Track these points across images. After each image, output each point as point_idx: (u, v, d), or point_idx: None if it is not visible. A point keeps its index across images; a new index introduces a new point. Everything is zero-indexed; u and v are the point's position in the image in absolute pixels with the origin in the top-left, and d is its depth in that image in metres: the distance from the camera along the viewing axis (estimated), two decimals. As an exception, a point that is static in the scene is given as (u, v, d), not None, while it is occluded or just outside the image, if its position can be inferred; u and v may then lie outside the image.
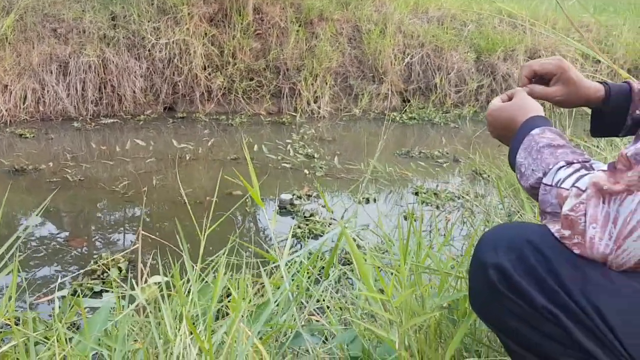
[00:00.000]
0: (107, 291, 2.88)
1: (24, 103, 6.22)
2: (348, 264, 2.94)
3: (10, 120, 5.91)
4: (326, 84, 7.39)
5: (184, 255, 1.14)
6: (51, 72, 6.46)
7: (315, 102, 7.30)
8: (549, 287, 0.79)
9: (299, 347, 1.23)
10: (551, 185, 0.88)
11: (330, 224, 3.88)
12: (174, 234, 3.49)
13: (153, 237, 1.16)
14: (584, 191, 0.80)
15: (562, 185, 0.85)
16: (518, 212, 3.50)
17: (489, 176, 5.12)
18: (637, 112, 1.17)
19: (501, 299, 0.82)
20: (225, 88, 7.08)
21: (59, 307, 1.39)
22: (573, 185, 0.83)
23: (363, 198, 4.43)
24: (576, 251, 0.79)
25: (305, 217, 3.93)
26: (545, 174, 0.91)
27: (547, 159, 0.93)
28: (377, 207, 4.28)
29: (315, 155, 5.36)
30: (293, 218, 3.94)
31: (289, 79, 7.38)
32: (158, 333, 1.03)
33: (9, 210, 3.75)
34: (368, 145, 6.25)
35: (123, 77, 6.58)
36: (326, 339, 1.22)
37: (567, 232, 0.80)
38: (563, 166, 0.89)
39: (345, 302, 1.35)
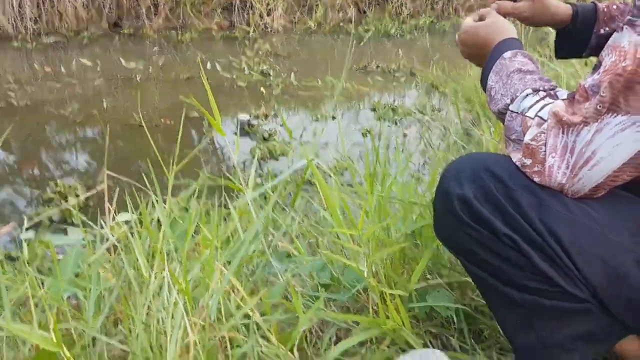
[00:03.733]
0: (66, 221, 2.85)
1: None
2: (310, 184, 2.99)
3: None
4: (278, -5, 7.13)
5: (152, 195, 1.13)
6: (-18, -13, 5.99)
7: (268, 15, 7.06)
8: (509, 215, 0.82)
9: (267, 274, 1.27)
10: (517, 113, 0.90)
11: (289, 143, 3.88)
12: (134, 162, 3.43)
13: (119, 176, 1.13)
14: (545, 121, 0.83)
15: (527, 114, 0.87)
16: (474, 124, 3.58)
17: (444, 90, 5.17)
18: (602, 31, 1.19)
19: (465, 228, 0.86)
20: (172, 1, 6.74)
21: (26, 244, 1.37)
22: (536, 115, 0.85)
23: (321, 116, 4.42)
24: (536, 179, 0.83)
25: (264, 137, 3.91)
26: (512, 100, 0.93)
27: (516, 85, 0.94)
28: (338, 125, 4.29)
29: (271, 73, 5.25)
30: (252, 139, 3.92)
31: (239, -9, 7.07)
32: (132, 271, 1.04)
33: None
34: (324, 60, 6.16)
35: (62, -7, 6.16)
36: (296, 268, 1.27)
37: (528, 161, 0.83)
38: (530, 94, 0.91)
39: (313, 232, 1.39)
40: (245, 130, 4.05)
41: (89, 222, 1.27)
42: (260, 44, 6.13)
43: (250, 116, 4.20)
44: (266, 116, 4.33)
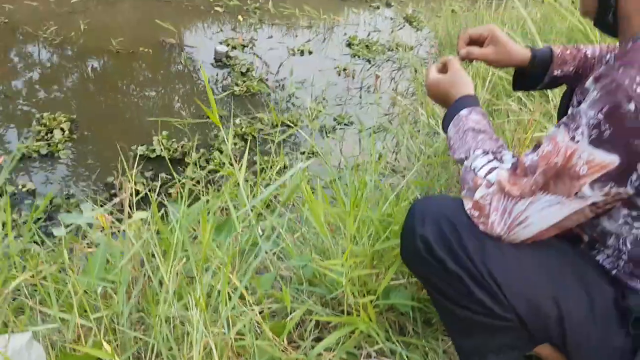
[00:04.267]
0: (53, 154, 2.99)
1: None
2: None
3: None
4: None
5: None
6: None
7: None
8: (458, 256, 1.07)
9: (259, 263, 1.51)
10: (470, 169, 1.13)
11: (266, 80, 3.99)
12: (115, 104, 3.47)
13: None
14: (492, 184, 1.06)
15: (478, 173, 1.10)
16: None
17: (419, 25, 5.26)
18: (555, 72, 1.39)
19: (423, 260, 1.11)
20: None
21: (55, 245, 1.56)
22: (485, 177, 1.08)
23: (298, 50, 4.50)
24: (481, 228, 1.07)
25: (241, 72, 4.01)
26: (467, 157, 1.15)
27: (469, 142, 1.17)
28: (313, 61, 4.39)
29: (249, -3, 5.22)
30: (229, 73, 4.01)
31: None
32: (149, 264, 1.26)
33: None
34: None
35: None
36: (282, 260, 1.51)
37: (476, 213, 1.07)
38: (480, 155, 1.13)
39: (299, 234, 1.61)
40: (224, 62, 4.13)
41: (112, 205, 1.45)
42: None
43: (228, 47, 4.26)
44: (244, 47, 4.39)
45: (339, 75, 4.23)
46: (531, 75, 1.40)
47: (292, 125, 3.56)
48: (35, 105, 3.40)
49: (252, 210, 1.56)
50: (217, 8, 4.91)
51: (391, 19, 5.38)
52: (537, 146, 1.07)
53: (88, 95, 3.61)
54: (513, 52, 1.37)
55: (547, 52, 1.39)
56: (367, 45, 4.66)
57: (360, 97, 3.98)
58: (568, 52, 1.40)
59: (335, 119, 3.69)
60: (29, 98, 3.47)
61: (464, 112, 1.22)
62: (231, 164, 1.95)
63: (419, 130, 2.89)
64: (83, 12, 4.45)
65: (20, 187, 2.70)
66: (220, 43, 4.31)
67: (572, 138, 0.95)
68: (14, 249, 1.29)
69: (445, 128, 1.26)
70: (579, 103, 1.00)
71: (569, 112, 1.01)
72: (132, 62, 3.98)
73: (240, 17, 4.82)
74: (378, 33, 5.03)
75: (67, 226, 1.51)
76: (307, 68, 4.27)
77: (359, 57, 4.51)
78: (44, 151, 3.01)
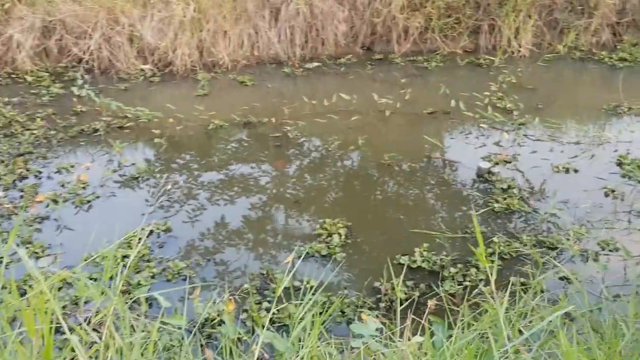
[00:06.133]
0: (331, 255, 3.47)
1: (241, 48, 6.97)
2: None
3: (230, 66, 6.67)
4: (530, 17, 7.07)
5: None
6: (264, 18, 7.10)
7: (515, 38, 7.06)
8: None
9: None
10: None
11: (527, 198, 4.03)
12: (384, 214, 3.89)
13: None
14: None
15: None
16: None
17: None
18: None
19: None
20: (422, 27, 7.15)
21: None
22: None
23: (562, 167, 4.45)
24: None
25: (502, 189, 4.12)
26: None
27: None
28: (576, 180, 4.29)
29: (515, 112, 5.36)
30: (490, 189, 4.15)
31: (489, 14, 7.19)
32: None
33: (246, 158, 4.49)
34: (572, 94, 6.02)
35: (327, 22, 6.99)
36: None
37: None
38: None
39: None
40: (485, 178, 4.30)
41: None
42: (504, 76, 6.22)
43: (490, 163, 4.43)
44: (506, 163, 4.52)
45: (606, 196, 4.06)
46: None
47: (551, 247, 3.52)
48: (319, 211, 3.99)
49: (510, 349, 1.66)
50: (482, 125, 5.15)
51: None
52: None
53: (361, 204, 4.11)
54: None
55: None
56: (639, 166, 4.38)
57: (629, 222, 3.75)
58: None
59: (599, 244, 3.55)
60: (315, 203, 4.10)
61: None
62: (492, 297, 2.08)
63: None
64: (361, 128, 5.12)
65: (305, 282, 3.19)
66: (483, 159, 4.50)
67: None
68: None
69: None
70: None
71: None
72: (400, 175, 4.41)
73: (505, 133, 4.98)
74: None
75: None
76: (571, 187, 4.20)
77: (629, 177, 4.27)
78: (324, 252, 3.52)
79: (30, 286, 2.96)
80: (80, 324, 1.57)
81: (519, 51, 6.96)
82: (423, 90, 6.03)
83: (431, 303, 3.01)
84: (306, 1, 6.92)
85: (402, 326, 1.77)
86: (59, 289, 3.03)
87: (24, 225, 3.66)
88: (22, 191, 4.06)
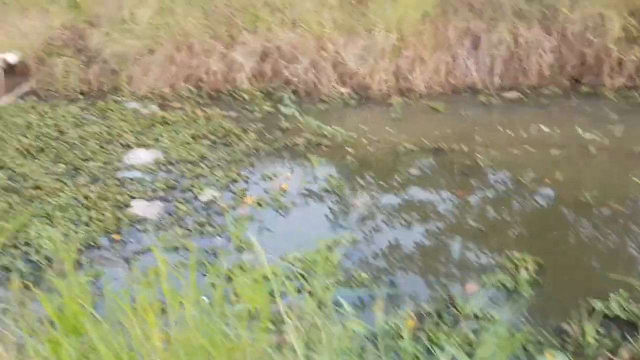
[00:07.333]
0: (516, 289, 3.34)
1: (437, 75, 7.03)
2: None
3: (425, 92, 6.76)
4: None
5: None
6: (463, 46, 7.09)
7: None
8: None
9: None
10: None
11: None
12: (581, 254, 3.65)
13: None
14: None
15: None
16: None
17: None
18: None
19: None
20: (639, 60, 6.54)
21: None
22: None
23: None
24: None
25: None
26: None
27: None
28: None
29: None
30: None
31: None
32: None
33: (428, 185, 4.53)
34: None
35: (531, 51, 6.75)
36: None
37: None
38: None
39: None
40: None
41: None
42: None
43: None
44: None
45: None
46: None
47: None
48: (503, 243, 3.86)
49: None
50: None
51: None
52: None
53: (553, 241, 3.90)
54: None
55: None
56: None
57: None
58: None
59: None
60: (500, 234, 3.98)
61: None
62: None
63: None
64: (559, 162, 4.84)
65: (487, 312, 3.13)
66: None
67: None
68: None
69: None
70: None
71: None
72: (600, 216, 4.09)
73: None
74: None
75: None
76: None
77: None
78: (508, 284, 3.41)
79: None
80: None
81: None
82: (636, 128, 5.50)
83: (625, 354, 2.75)
84: (510, 30, 6.78)
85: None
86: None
87: (234, 222, 4.15)
88: (233, 193, 4.61)
